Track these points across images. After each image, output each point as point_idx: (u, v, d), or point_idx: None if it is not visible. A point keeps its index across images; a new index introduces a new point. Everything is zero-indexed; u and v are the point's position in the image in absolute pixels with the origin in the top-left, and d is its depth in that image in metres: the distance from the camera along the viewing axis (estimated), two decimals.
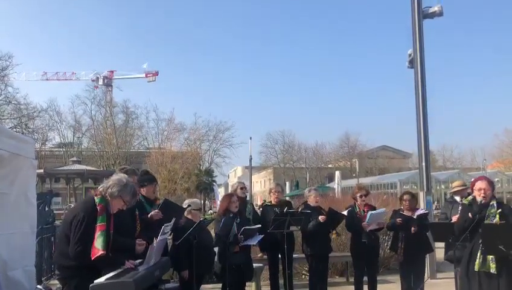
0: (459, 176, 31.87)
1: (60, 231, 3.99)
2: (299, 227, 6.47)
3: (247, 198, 7.48)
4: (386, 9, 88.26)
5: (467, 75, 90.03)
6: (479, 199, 4.67)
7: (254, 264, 7.35)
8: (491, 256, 4.46)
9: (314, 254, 6.61)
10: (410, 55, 10.13)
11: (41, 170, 25.24)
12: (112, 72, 62.69)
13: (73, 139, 53.43)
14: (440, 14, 9.82)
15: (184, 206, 5.51)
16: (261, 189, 63.46)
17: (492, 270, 4.46)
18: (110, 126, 47.82)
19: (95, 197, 3.74)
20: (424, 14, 9.82)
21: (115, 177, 3.93)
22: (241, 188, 6.89)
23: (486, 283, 4.51)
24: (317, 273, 6.64)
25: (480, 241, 4.55)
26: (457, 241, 5.06)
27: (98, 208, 3.67)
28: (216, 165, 52.46)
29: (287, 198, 13.74)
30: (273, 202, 6.92)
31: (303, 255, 7.06)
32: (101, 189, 3.81)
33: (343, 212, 6.60)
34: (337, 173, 24.95)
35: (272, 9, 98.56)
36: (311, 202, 6.77)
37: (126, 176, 4.10)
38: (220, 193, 30.47)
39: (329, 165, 60.03)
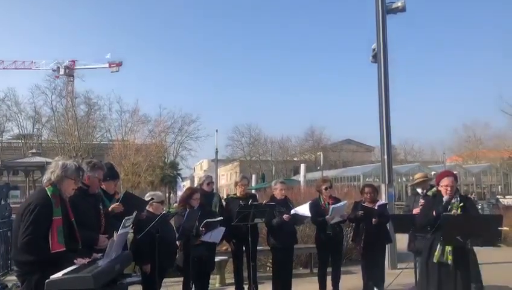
0: (419, 169, 32.79)
1: (14, 225, 3.80)
2: (264, 219, 6.46)
3: (214, 191, 7.39)
4: (350, 3, 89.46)
5: (429, 72, 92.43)
6: (445, 197, 4.76)
7: (219, 257, 7.33)
8: (449, 248, 4.58)
9: (279, 246, 6.60)
10: (374, 49, 10.27)
11: None
12: (74, 61, 60.82)
13: (33, 131, 51.69)
14: (403, 9, 10.01)
15: (146, 199, 5.40)
16: (227, 182, 63.34)
17: (449, 261, 4.59)
18: (71, 117, 46.42)
19: (47, 189, 3.61)
20: (387, 9, 9.98)
21: (50, 164, 3.87)
22: (208, 184, 6.82)
23: (445, 275, 4.63)
24: (281, 265, 6.65)
25: (440, 234, 4.66)
26: (418, 233, 5.17)
27: (54, 199, 3.54)
28: (181, 158, 52.09)
29: (253, 191, 13.73)
30: (238, 195, 6.88)
31: (267, 247, 7.06)
32: (46, 180, 3.71)
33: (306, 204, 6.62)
34: (302, 166, 25.04)
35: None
36: (277, 195, 6.74)
37: (60, 157, 4.06)
38: (185, 186, 30.24)
39: (295, 158, 60.49)
